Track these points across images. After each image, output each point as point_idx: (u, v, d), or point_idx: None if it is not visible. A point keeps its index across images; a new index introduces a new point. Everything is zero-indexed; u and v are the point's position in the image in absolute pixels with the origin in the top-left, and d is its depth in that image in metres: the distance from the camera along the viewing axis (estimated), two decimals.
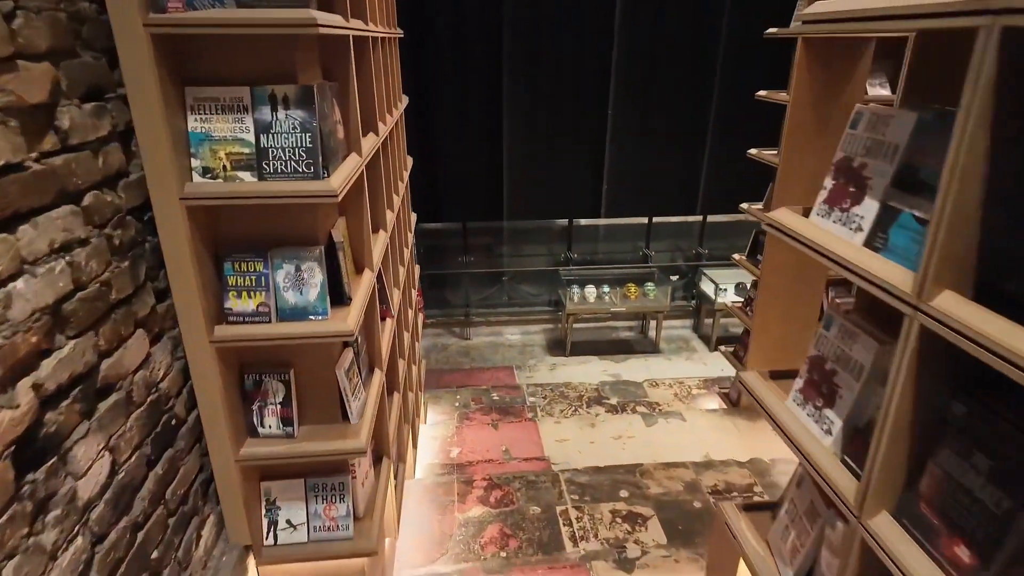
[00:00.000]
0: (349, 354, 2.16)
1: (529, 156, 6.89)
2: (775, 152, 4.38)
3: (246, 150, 1.75)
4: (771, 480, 3.59)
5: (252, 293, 1.88)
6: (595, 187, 7.16)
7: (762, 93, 4.30)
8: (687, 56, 6.72)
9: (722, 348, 5.03)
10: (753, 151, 4.46)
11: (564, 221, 7.30)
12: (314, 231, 1.92)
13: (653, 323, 6.93)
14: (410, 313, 3.76)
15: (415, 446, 3.86)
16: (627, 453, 4.13)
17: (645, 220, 7.39)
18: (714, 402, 5.16)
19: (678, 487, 3.51)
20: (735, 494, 3.46)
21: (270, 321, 1.89)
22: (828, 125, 4.07)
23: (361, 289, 2.14)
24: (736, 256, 4.76)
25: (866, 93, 4.05)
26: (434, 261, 7.23)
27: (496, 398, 5.25)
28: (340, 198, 1.75)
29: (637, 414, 4.73)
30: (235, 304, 1.88)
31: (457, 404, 5.12)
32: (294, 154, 1.75)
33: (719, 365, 6.22)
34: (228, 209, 1.83)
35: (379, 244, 2.61)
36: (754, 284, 4.67)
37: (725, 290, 6.73)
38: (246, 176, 1.76)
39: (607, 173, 7.10)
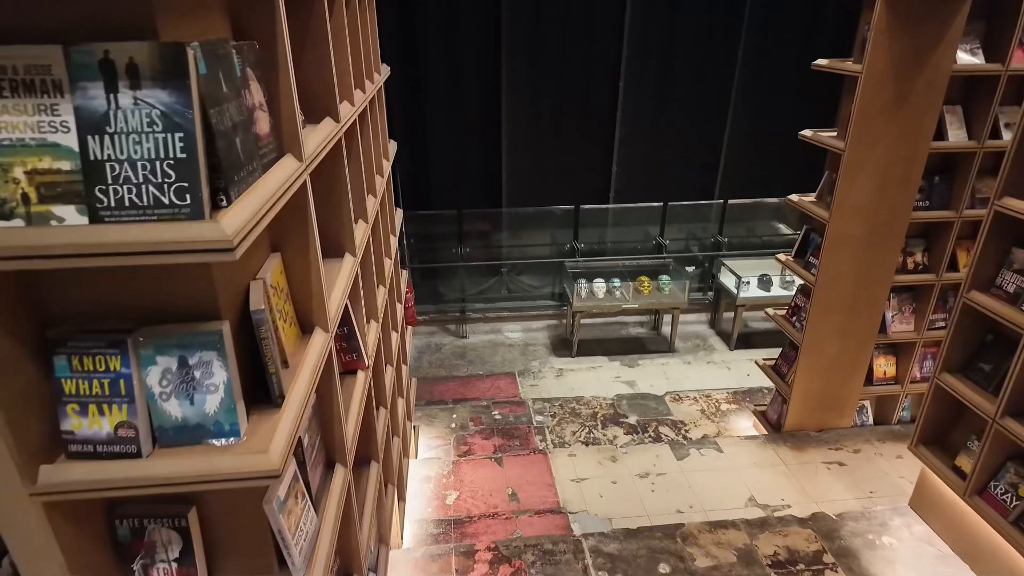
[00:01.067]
0: (288, 470, 1.37)
1: (530, 135, 6.02)
2: (834, 133, 3.57)
3: (65, 165, 0.93)
4: (842, 545, 2.87)
5: (106, 406, 1.08)
6: (604, 169, 6.32)
7: (822, 62, 3.46)
8: (707, 22, 5.81)
9: (759, 362, 4.28)
10: (807, 132, 3.64)
11: (569, 206, 6.46)
12: (211, 297, 1.12)
13: (667, 318, 6.18)
14: (394, 340, 2.98)
15: (402, 498, 3.11)
16: (658, 497, 3.40)
17: (658, 204, 6.55)
18: (748, 421, 4.42)
19: (730, 557, 2.78)
20: (801, 567, 2.74)
21: (138, 453, 1.09)
22: (907, 102, 3.24)
23: (305, 371, 1.35)
24: (782, 256, 3.97)
25: (955, 62, 3.23)
26: (426, 252, 6.40)
27: (498, 417, 4.50)
28: (239, 252, 0.94)
29: (664, 442, 3.99)
30: (77, 424, 1.08)
31: (454, 426, 4.37)
32: (154, 172, 0.93)
33: (744, 369, 5.49)
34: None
35: (342, 277, 1.81)
36: (802, 289, 3.89)
37: (748, 283, 5.95)
38: (68, 213, 0.94)
39: (617, 154, 6.25)
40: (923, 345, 3.84)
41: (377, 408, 2.46)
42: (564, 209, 6.48)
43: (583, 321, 6.03)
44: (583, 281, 5.95)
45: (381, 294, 2.56)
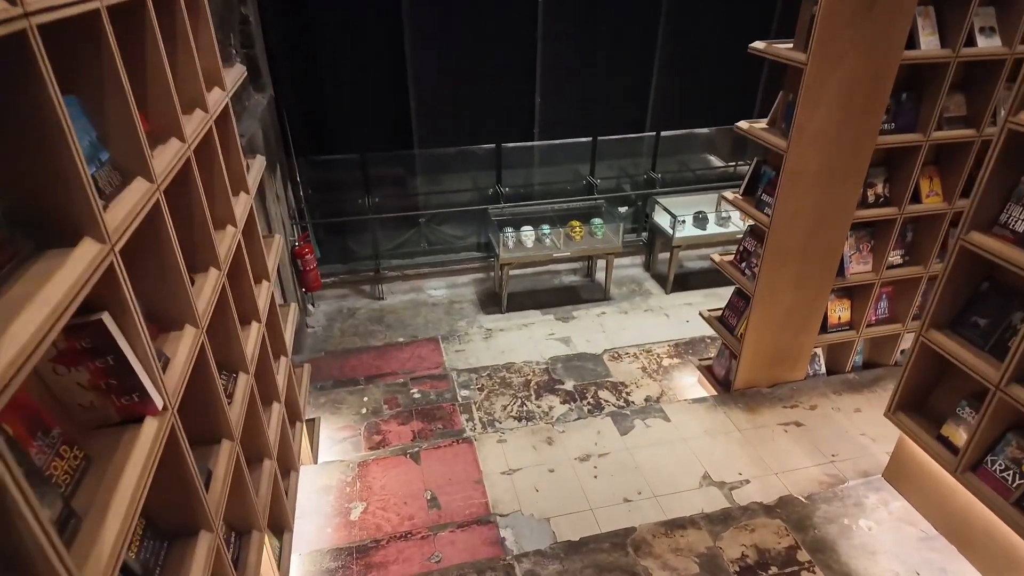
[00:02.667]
0: None
1: (440, 64, 5.09)
2: (790, 45, 2.91)
3: None
4: (816, 536, 2.40)
5: None
6: (526, 101, 5.50)
7: None
8: None
9: (704, 314, 3.74)
10: (759, 44, 2.96)
11: (490, 145, 5.63)
12: None
13: (601, 263, 5.59)
14: (251, 336, 2.18)
15: (286, 529, 2.40)
16: (602, 484, 2.84)
17: (587, 139, 5.82)
18: (693, 377, 3.93)
19: (692, 567, 2.26)
20: (773, 571, 2.25)
21: None
22: (875, 5, 2.61)
23: None
24: (728, 194, 3.37)
25: None
26: (329, 204, 5.48)
27: (417, 396, 3.81)
28: None
29: (604, 412, 3.42)
30: None
31: (365, 411, 3.65)
32: None
33: (682, 314, 5.01)
34: None
35: (64, 279, 1.01)
36: (752, 231, 3.32)
37: (684, 222, 5.40)
38: None
39: (540, 84, 5.43)
40: (881, 285, 3.39)
41: (216, 443, 1.71)
42: (485, 149, 5.66)
43: (512, 273, 5.36)
44: (510, 230, 5.23)
45: (211, 281, 1.76)
